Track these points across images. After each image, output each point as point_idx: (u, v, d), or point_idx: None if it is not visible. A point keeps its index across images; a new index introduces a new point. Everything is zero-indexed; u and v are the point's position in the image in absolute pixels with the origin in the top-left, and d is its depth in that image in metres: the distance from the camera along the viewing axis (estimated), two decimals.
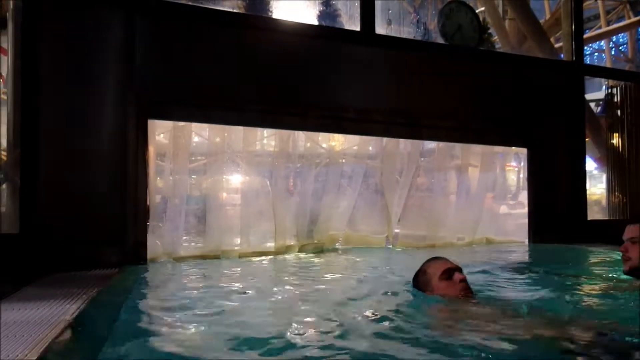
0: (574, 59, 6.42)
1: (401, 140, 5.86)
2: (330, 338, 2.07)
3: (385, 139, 5.90)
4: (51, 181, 3.87)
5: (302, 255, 5.08)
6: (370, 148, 6.07)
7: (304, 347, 1.96)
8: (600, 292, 3.24)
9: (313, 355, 1.88)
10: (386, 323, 2.33)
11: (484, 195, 6.34)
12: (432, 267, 2.81)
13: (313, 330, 2.22)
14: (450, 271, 2.73)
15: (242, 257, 4.85)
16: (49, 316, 2.21)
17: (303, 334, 2.14)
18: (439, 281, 2.71)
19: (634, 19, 13.50)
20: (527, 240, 6.08)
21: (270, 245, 5.09)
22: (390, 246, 5.77)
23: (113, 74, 4.14)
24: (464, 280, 2.71)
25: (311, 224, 5.43)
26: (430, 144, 6.38)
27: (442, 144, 6.19)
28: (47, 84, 3.89)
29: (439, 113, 5.55)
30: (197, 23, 4.58)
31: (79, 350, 2.03)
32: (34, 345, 1.79)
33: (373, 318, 2.44)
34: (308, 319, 2.44)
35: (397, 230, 5.88)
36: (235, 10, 4.98)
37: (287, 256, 4.99)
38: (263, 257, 4.89)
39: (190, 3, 4.75)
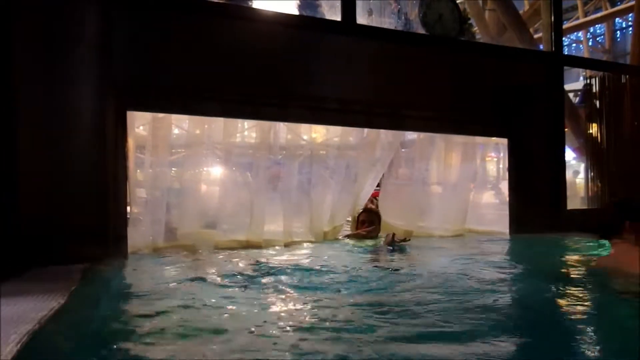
0: (553, 49, 6.46)
1: (382, 130, 5.86)
2: None
3: (366, 130, 5.88)
4: (29, 174, 3.77)
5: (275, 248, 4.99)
6: (351, 139, 6.05)
7: None
8: None
9: None
10: None
11: (465, 186, 6.36)
12: None
13: None
14: None
15: (220, 248, 4.80)
16: (26, 313, 2.17)
17: None
18: None
19: (610, 10, 13.69)
20: (507, 231, 6.09)
21: (254, 237, 5.02)
22: None
23: (91, 64, 4.03)
24: None
25: (297, 218, 5.39)
26: (412, 135, 6.39)
27: (422, 135, 6.20)
28: (23, 76, 3.79)
29: (420, 103, 5.53)
30: (176, 13, 4.49)
31: (55, 348, 1.99)
32: (8, 343, 1.74)
33: None
34: None
35: None
36: (214, 0, 4.91)
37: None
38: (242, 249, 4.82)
39: None
